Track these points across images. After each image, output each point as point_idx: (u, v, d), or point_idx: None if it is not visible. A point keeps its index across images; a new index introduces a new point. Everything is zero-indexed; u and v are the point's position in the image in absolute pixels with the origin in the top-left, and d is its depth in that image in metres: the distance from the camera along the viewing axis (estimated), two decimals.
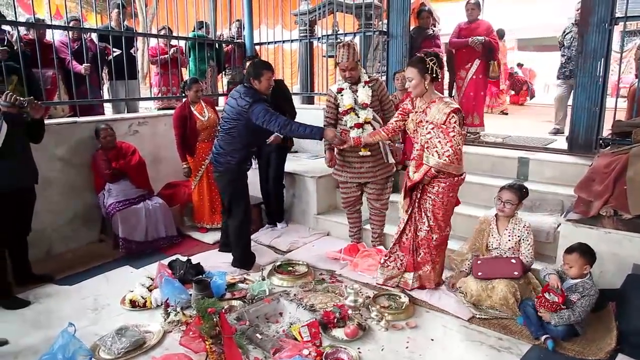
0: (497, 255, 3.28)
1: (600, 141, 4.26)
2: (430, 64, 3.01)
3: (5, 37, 4.58)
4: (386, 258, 3.51)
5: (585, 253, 2.87)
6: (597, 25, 4.09)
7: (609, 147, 4.02)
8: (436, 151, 3.04)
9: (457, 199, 3.33)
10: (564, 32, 5.85)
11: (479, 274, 3.18)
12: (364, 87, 3.73)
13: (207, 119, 4.62)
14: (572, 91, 5.28)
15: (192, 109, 4.59)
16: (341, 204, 4.14)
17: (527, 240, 3.24)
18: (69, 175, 4.32)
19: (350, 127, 3.72)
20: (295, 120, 4.56)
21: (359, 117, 3.71)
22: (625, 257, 3.05)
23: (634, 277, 2.95)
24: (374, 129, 3.67)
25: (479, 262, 3.26)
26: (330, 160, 3.96)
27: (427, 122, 3.09)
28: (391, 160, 3.87)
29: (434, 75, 3.04)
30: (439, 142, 3.02)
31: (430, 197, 3.23)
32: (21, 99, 3.24)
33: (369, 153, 3.75)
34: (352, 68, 3.65)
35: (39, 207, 4.06)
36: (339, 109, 3.81)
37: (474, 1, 5.62)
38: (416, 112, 3.21)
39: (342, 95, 3.77)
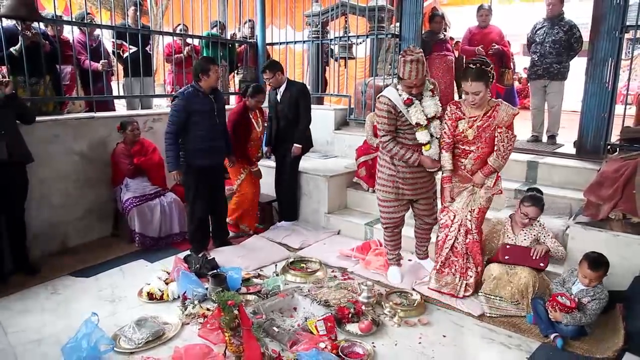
0: (527, 246, 3.33)
1: (609, 147, 4.33)
2: (491, 73, 3.05)
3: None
4: (441, 265, 3.47)
5: (606, 266, 2.91)
6: (608, 33, 4.16)
7: (617, 153, 4.09)
8: (500, 154, 3.17)
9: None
10: (534, 28, 5.38)
11: (506, 257, 3.27)
12: (432, 97, 3.36)
13: (260, 129, 4.74)
14: (546, 95, 5.38)
15: (250, 115, 4.62)
16: (382, 224, 3.72)
17: (549, 235, 3.30)
18: (85, 169, 4.41)
19: (423, 144, 3.34)
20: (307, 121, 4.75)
21: (430, 132, 3.34)
22: (633, 259, 3.12)
23: None
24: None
25: (507, 246, 3.33)
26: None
27: (496, 125, 3.14)
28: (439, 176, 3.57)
29: (492, 80, 3.11)
30: (503, 145, 3.14)
31: (479, 200, 3.33)
32: None
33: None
34: (421, 84, 3.31)
35: (55, 200, 4.17)
36: (398, 121, 3.35)
37: (487, 7, 5.69)
38: (471, 117, 3.20)
39: (410, 108, 3.30)
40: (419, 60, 3.16)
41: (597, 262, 2.89)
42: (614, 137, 4.43)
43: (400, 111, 3.28)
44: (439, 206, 3.57)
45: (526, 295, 3.13)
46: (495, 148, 3.16)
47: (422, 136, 3.31)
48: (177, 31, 6.05)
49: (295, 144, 4.70)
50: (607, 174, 3.51)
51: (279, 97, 4.76)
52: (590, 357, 2.74)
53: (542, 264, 3.20)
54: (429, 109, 3.31)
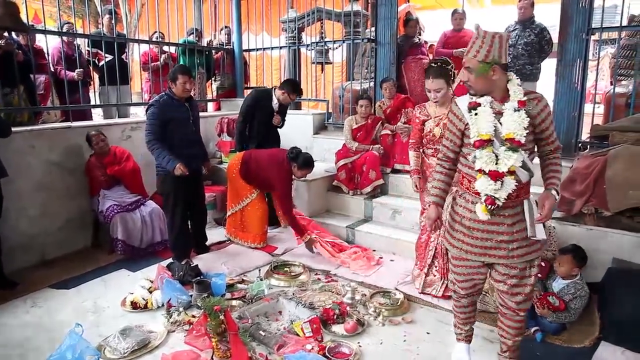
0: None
1: (580, 144, 4.48)
2: (452, 72, 3.14)
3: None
4: (429, 267, 3.48)
5: (577, 257, 3.04)
6: (575, 35, 4.31)
7: (588, 150, 4.24)
8: None
9: None
10: (507, 30, 5.40)
11: None
12: (517, 110, 2.13)
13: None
14: None
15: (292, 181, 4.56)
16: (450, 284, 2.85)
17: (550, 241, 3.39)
18: (63, 180, 4.35)
19: (478, 171, 2.21)
20: (280, 127, 4.83)
21: (498, 160, 2.15)
22: (605, 251, 3.25)
23: (614, 270, 3.15)
24: (519, 182, 2.16)
25: None
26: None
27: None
28: (541, 235, 2.24)
29: (453, 78, 3.21)
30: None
31: None
32: None
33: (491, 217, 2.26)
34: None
35: (33, 212, 4.10)
36: (457, 133, 2.34)
37: (461, 10, 5.83)
38: (437, 117, 3.29)
39: (476, 114, 2.22)
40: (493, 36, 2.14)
41: (566, 247, 3.11)
42: (585, 135, 4.58)
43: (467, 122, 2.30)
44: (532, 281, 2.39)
45: None
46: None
47: (482, 158, 2.18)
48: (154, 39, 6.02)
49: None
50: (579, 171, 3.64)
51: (276, 108, 4.90)
52: (568, 348, 2.83)
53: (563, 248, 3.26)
54: (510, 126, 2.13)
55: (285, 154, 4.27)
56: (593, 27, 4.31)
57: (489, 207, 2.17)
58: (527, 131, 2.10)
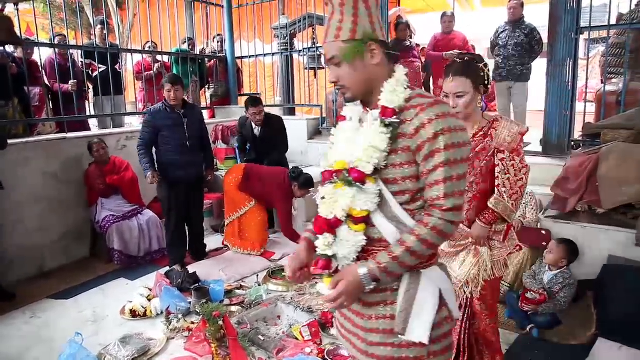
0: (526, 224, 3.45)
1: (572, 143, 4.52)
2: (485, 70, 2.08)
3: None
4: None
5: (569, 249, 3.11)
6: (564, 34, 4.36)
7: (581, 148, 4.28)
8: (505, 192, 2.09)
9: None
10: (497, 31, 5.55)
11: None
12: (376, 120, 1.39)
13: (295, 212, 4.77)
14: (511, 96, 5.57)
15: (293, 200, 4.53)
16: None
17: (530, 205, 3.50)
18: (60, 191, 4.36)
19: None
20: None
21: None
22: (600, 248, 3.27)
23: (609, 267, 3.18)
24: (373, 240, 1.42)
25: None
26: None
27: (493, 149, 2.10)
28: (420, 333, 1.40)
29: (489, 85, 2.14)
30: (508, 179, 2.09)
31: (485, 267, 2.20)
32: None
33: None
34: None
35: (30, 224, 4.11)
36: None
37: (450, 13, 5.89)
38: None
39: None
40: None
41: (562, 238, 3.18)
42: (577, 134, 4.62)
43: None
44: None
45: (520, 275, 3.27)
46: (497, 183, 2.09)
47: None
48: (146, 49, 6.05)
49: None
50: (572, 169, 3.67)
51: (257, 132, 4.90)
52: (565, 345, 2.86)
53: (544, 243, 3.31)
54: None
55: (286, 173, 4.34)
56: (582, 26, 4.37)
57: (325, 272, 1.41)
58: (383, 155, 1.32)
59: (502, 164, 2.08)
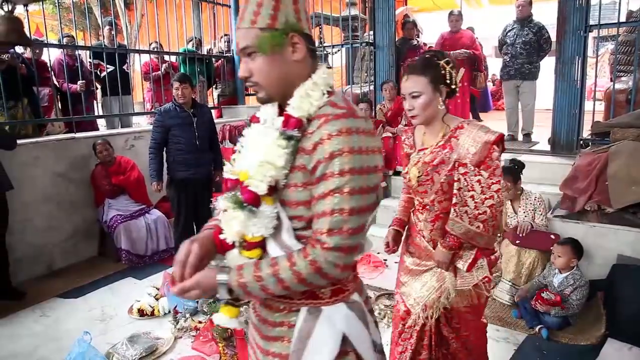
0: (535, 228, 3.43)
1: (581, 142, 4.49)
2: (447, 67, 1.82)
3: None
4: None
5: (575, 247, 3.07)
6: (573, 32, 4.33)
7: (590, 147, 4.24)
8: (466, 212, 1.82)
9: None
10: (505, 30, 5.52)
11: (517, 242, 3.35)
12: (277, 130, 1.16)
13: None
14: (519, 94, 5.53)
15: None
16: None
17: (539, 210, 3.46)
18: (69, 190, 4.39)
19: None
20: None
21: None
22: (610, 248, 3.25)
23: (619, 267, 3.15)
24: None
25: (518, 233, 3.39)
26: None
27: (453, 162, 1.83)
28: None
29: (454, 86, 1.85)
30: (472, 196, 1.81)
31: (447, 293, 1.96)
32: None
33: None
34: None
35: (39, 223, 4.14)
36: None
37: (457, 12, 5.86)
38: (422, 149, 1.95)
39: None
40: None
41: (563, 239, 3.14)
42: (586, 132, 4.59)
43: None
44: None
45: (532, 276, 3.26)
46: (454, 201, 1.84)
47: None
48: (151, 49, 6.08)
49: None
50: (581, 168, 3.65)
51: None
52: (575, 345, 2.83)
53: (552, 247, 3.28)
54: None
55: None
56: (591, 24, 4.33)
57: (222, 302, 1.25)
58: (281, 173, 1.10)
59: (465, 179, 1.80)
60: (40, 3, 4.43)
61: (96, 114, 5.78)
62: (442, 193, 1.87)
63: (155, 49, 5.93)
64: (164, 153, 4.02)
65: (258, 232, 1.13)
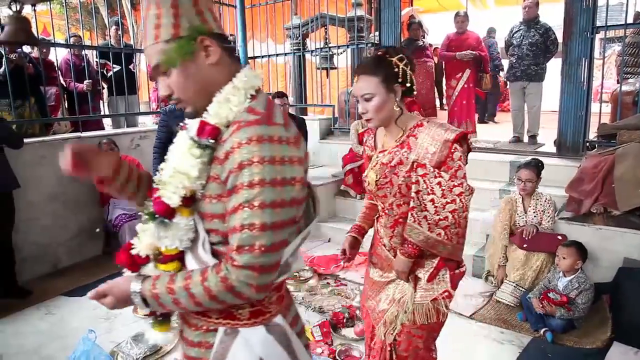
0: (542, 230, 3.42)
1: (587, 144, 4.47)
2: (401, 65, 1.68)
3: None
4: None
5: (580, 249, 3.06)
6: (580, 33, 4.31)
7: (596, 149, 4.22)
8: (425, 217, 1.67)
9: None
10: (512, 31, 5.53)
11: (524, 245, 3.34)
12: (191, 139, 1.15)
13: None
14: (525, 96, 5.52)
15: None
16: None
17: (548, 212, 3.45)
18: (74, 189, 4.40)
19: None
20: None
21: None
22: (616, 251, 3.23)
23: (625, 270, 3.13)
24: None
25: (524, 237, 3.37)
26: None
27: (411, 163, 1.68)
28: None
29: (409, 84, 1.71)
30: (432, 200, 1.66)
31: (405, 309, 1.78)
32: None
33: None
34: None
35: (45, 222, 4.16)
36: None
37: (463, 13, 5.85)
38: (382, 151, 1.80)
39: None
40: None
41: (567, 242, 3.13)
42: (592, 134, 4.57)
43: None
44: None
45: (538, 279, 3.24)
46: (412, 205, 1.69)
47: None
48: None
49: None
50: (587, 170, 3.63)
51: None
52: (580, 349, 2.82)
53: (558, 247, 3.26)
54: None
55: None
56: (598, 25, 4.31)
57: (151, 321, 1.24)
58: (197, 184, 1.06)
59: (424, 182, 1.65)
60: (48, 3, 4.46)
61: (102, 113, 5.80)
62: (400, 196, 1.73)
63: None
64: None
65: (172, 245, 1.08)
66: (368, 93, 1.66)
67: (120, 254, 1.16)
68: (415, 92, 1.76)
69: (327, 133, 6.20)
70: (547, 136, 5.46)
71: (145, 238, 1.11)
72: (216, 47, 1.07)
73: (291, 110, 6.49)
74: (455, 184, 1.63)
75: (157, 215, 1.06)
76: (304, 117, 6.48)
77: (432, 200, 1.64)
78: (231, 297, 1.01)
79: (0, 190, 3.54)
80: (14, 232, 3.71)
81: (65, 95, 5.07)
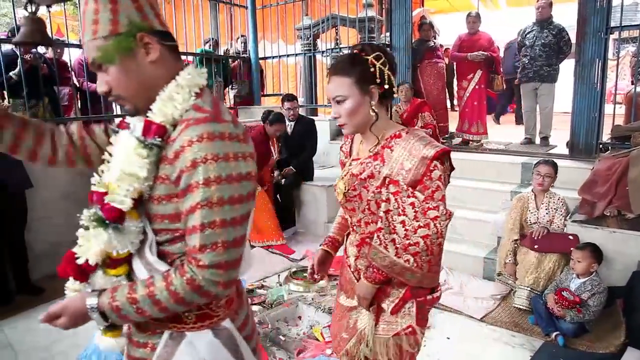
0: (552, 231, 3.41)
1: (600, 145, 4.42)
2: (377, 64, 1.48)
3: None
4: None
5: (595, 252, 3.03)
6: (593, 34, 4.27)
7: (609, 151, 4.18)
8: (393, 240, 1.46)
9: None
10: (524, 31, 5.48)
11: (535, 246, 3.32)
12: (136, 138, 1.14)
13: (276, 156, 4.89)
14: (537, 97, 5.47)
15: (270, 142, 4.78)
16: None
17: (560, 211, 3.45)
18: (86, 188, 4.30)
19: None
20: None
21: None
22: (630, 254, 3.18)
23: (639, 274, 3.08)
24: None
25: (534, 237, 3.36)
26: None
27: (383, 178, 1.48)
28: None
29: (387, 86, 1.50)
30: (403, 222, 1.45)
31: (367, 341, 1.60)
32: None
33: None
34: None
35: (57, 221, 4.20)
36: None
37: (475, 13, 5.81)
38: (355, 159, 1.62)
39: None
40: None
41: (582, 244, 3.11)
42: (605, 136, 4.52)
43: None
44: None
45: (551, 281, 3.21)
46: (379, 225, 1.50)
47: None
48: None
49: (291, 167, 5.03)
50: (600, 172, 3.59)
51: (289, 130, 5.08)
52: (593, 353, 2.79)
53: (572, 249, 3.22)
54: None
55: (261, 126, 4.70)
56: (612, 25, 4.26)
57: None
58: (146, 185, 1.04)
59: (395, 200, 1.45)
60: (62, 4, 4.51)
61: (115, 112, 5.84)
62: (369, 213, 1.53)
63: None
64: None
65: (123, 249, 1.06)
66: (340, 95, 1.49)
67: (63, 266, 1.13)
68: (395, 95, 1.57)
69: (337, 134, 6.19)
70: (560, 138, 5.41)
71: (95, 245, 1.06)
72: (156, 45, 1.05)
73: (301, 111, 6.50)
74: (431, 206, 1.41)
75: (108, 222, 1.04)
76: (314, 117, 6.49)
77: (402, 222, 1.44)
78: (198, 297, 1.01)
79: (13, 190, 3.59)
80: (26, 230, 3.75)
81: (78, 95, 5.12)
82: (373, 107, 1.49)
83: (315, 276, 1.80)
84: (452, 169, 1.55)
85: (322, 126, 6.06)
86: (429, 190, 1.41)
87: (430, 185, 1.41)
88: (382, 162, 1.49)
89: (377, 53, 1.49)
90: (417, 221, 1.42)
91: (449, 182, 1.52)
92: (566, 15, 5.95)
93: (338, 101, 1.50)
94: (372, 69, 1.47)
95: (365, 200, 1.52)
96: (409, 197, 1.43)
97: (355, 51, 1.52)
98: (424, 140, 1.46)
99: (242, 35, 7.05)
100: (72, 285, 1.13)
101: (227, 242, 0.98)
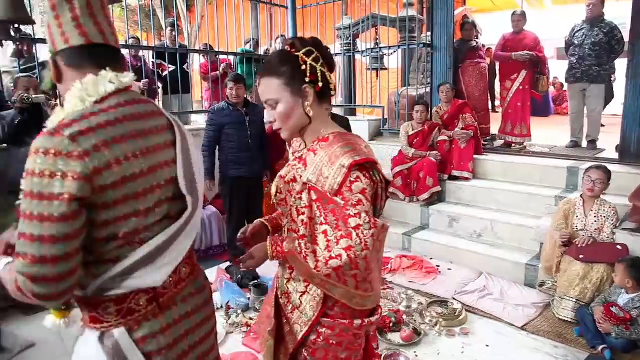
0: (600, 241, 3.28)
1: None
2: (309, 60, 1.36)
3: None
4: None
5: (632, 268, 2.86)
6: None
7: None
8: (314, 252, 1.32)
9: None
10: (573, 30, 5.27)
11: (581, 256, 3.19)
12: None
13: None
14: (585, 98, 5.25)
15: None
16: None
17: (611, 220, 3.29)
18: None
19: None
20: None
21: None
22: None
23: None
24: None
25: (580, 246, 3.23)
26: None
27: (302, 183, 1.38)
28: None
29: (322, 83, 1.38)
30: (325, 232, 1.32)
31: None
32: (25, 95, 3.35)
33: None
34: None
35: None
36: None
37: (520, 12, 5.64)
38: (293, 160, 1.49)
39: None
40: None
41: (622, 258, 2.94)
42: None
43: None
44: None
45: (602, 292, 3.07)
46: (302, 233, 1.37)
47: None
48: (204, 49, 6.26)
49: None
50: None
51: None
52: None
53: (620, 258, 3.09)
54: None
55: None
56: None
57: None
58: None
59: (318, 208, 1.33)
60: (110, 7, 4.64)
61: None
62: (291, 220, 1.41)
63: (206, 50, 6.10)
64: (217, 151, 4.10)
65: None
66: (270, 99, 1.37)
67: None
68: (334, 93, 1.44)
69: (377, 134, 6.15)
70: (608, 141, 5.19)
71: None
72: (61, 63, 1.14)
73: (340, 111, 6.49)
74: (351, 213, 1.26)
75: None
76: (352, 117, 6.46)
77: (324, 232, 1.30)
78: (20, 295, 1.02)
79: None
80: None
81: None
82: (307, 109, 1.37)
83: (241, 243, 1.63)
84: (387, 182, 1.44)
85: (361, 126, 6.03)
86: (349, 203, 1.28)
87: (350, 197, 1.28)
88: (304, 166, 1.38)
89: (309, 48, 1.36)
90: (338, 230, 1.27)
91: (387, 197, 1.41)
92: (616, 13, 5.71)
93: (270, 105, 1.38)
94: (302, 67, 1.34)
95: (289, 205, 1.42)
96: (329, 203, 1.30)
97: (284, 49, 1.40)
98: (347, 147, 1.33)
99: (282, 35, 7.09)
100: None
101: (33, 256, 0.98)
